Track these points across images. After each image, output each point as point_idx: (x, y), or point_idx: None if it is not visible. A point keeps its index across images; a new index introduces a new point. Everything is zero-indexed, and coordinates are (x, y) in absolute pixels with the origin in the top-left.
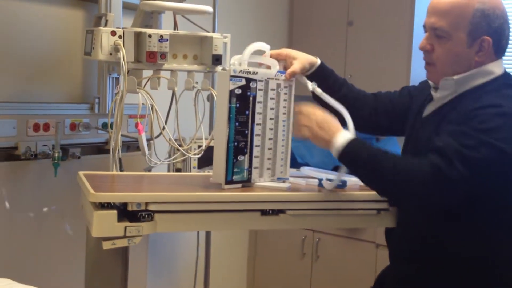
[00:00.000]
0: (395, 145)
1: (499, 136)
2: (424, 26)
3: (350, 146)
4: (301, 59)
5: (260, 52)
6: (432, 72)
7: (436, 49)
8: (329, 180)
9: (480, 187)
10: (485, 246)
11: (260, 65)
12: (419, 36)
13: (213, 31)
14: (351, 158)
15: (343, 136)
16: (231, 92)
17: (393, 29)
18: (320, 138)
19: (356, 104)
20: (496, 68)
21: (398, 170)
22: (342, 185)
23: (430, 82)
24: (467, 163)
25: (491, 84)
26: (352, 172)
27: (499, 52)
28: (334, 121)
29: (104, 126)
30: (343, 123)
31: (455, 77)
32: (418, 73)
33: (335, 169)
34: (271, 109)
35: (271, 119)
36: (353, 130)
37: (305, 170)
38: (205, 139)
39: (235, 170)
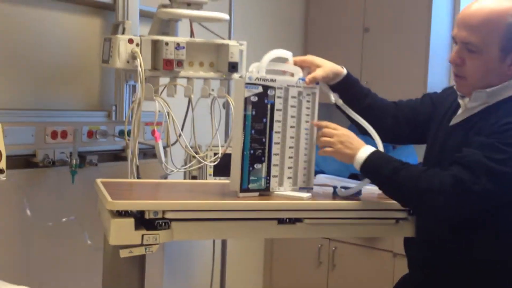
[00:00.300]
0: (412, 153)
1: None
2: (454, 38)
3: (371, 159)
4: (325, 67)
5: (282, 60)
6: (463, 85)
7: (467, 63)
8: (344, 188)
9: (504, 198)
10: (501, 251)
11: (284, 72)
12: (436, 42)
13: (229, 38)
14: (372, 171)
15: (365, 150)
16: (247, 100)
17: (409, 35)
18: (343, 154)
19: (379, 114)
20: None
21: (419, 182)
22: (357, 193)
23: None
24: (494, 177)
25: None
26: (374, 184)
27: None
28: (356, 138)
29: (121, 133)
30: (365, 130)
31: (487, 89)
32: (435, 79)
33: (351, 176)
34: (292, 117)
35: (292, 127)
36: (379, 141)
37: (321, 178)
38: (221, 146)
39: (252, 178)
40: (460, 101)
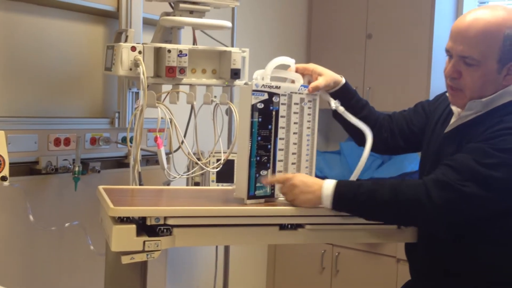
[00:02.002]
0: (416, 158)
1: None
2: (448, 51)
3: (339, 192)
4: (326, 76)
5: (284, 67)
6: (459, 97)
7: (464, 76)
8: None
9: (498, 204)
10: (505, 260)
11: (284, 79)
12: (438, 47)
13: (232, 45)
14: (346, 204)
15: (327, 186)
16: (253, 107)
17: (412, 41)
18: (308, 201)
19: (376, 126)
20: None
21: (401, 194)
22: None
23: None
24: (482, 181)
25: None
26: (353, 214)
27: None
28: (311, 178)
29: (124, 140)
30: (363, 142)
31: (483, 100)
32: (438, 85)
33: None
34: (295, 123)
35: (294, 133)
36: (369, 149)
37: None
38: (224, 153)
39: (258, 185)
40: (453, 107)
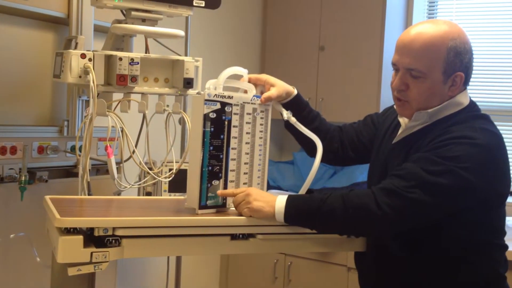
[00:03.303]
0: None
1: (465, 165)
2: (394, 64)
3: (291, 204)
4: (279, 87)
5: (237, 77)
6: (406, 109)
7: (411, 88)
8: None
9: (443, 211)
10: (453, 269)
11: (237, 89)
12: (388, 60)
13: (186, 54)
14: (299, 211)
15: (280, 199)
16: (206, 116)
17: (363, 54)
18: (259, 208)
19: (327, 137)
20: (464, 99)
21: (350, 200)
22: None
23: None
24: (428, 187)
25: (459, 114)
26: (305, 226)
27: (466, 83)
28: (265, 193)
29: (73, 149)
30: (314, 153)
31: (429, 110)
32: (388, 96)
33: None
34: (247, 133)
35: (247, 143)
36: (319, 159)
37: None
38: (176, 162)
39: (210, 195)
40: (400, 119)
